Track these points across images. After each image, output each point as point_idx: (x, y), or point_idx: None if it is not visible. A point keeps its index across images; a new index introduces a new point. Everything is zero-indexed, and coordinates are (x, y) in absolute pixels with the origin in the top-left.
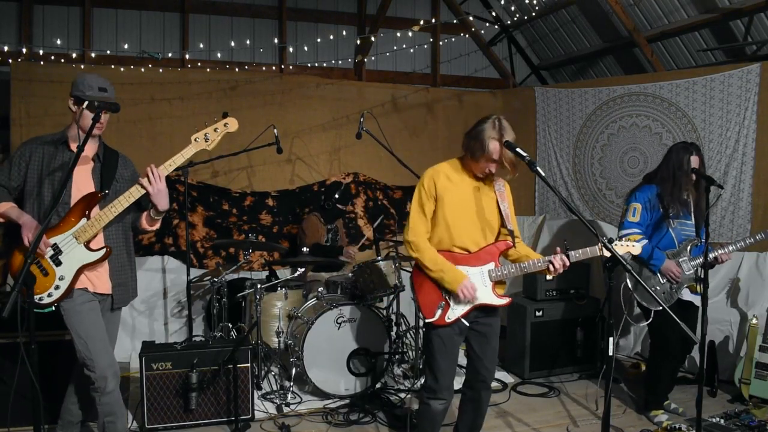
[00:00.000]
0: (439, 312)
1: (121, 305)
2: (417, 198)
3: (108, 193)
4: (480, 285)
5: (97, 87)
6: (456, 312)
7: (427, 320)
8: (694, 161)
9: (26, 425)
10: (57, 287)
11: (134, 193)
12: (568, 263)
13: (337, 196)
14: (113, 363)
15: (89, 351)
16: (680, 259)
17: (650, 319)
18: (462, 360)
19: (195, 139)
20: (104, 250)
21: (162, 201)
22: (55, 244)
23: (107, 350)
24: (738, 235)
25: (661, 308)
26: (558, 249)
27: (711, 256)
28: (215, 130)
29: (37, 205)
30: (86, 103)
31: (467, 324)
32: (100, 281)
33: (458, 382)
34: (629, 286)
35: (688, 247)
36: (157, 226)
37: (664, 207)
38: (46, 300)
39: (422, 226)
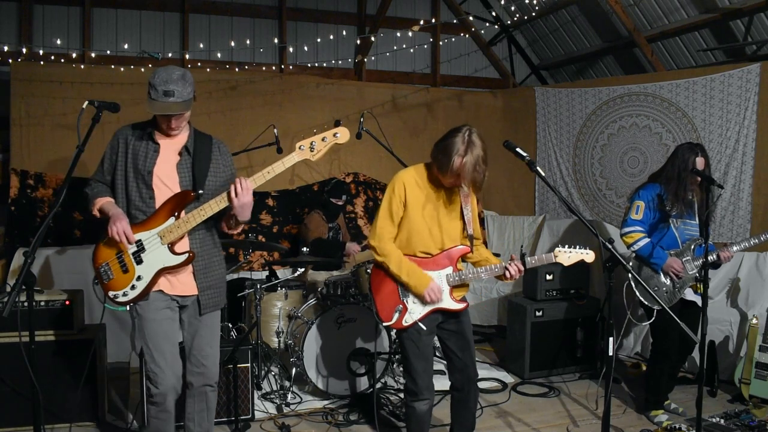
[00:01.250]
0: (396, 315)
1: (210, 310)
2: (387, 202)
3: (202, 194)
4: None
5: (162, 91)
6: (413, 316)
7: (384, 324)
8: (700, 163)
9: (26, 425)
10: (133, 287)
11: (221, 202)
12: (523, 269)
13: (327, 188)
14: (178, 380)
15: (155, 365)
16: (683, 259)
17: (652, 318)
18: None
19: (300, 147)
20: (187, 254)
21: (244, 213)
22: (140, 240)
23: (174, 366)
24: (738, 235)
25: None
26: (513, 255)
27: (713, 256)
28: (323, 139)
29: (125, 196)
30: (86, 103)
31: (424, 327)
32: (180, 282)
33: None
34: (632, 285)
35: (692, 247)
36: (239, 231)
37: (664, 206)
38: (121, 299)
39: (388, 231)
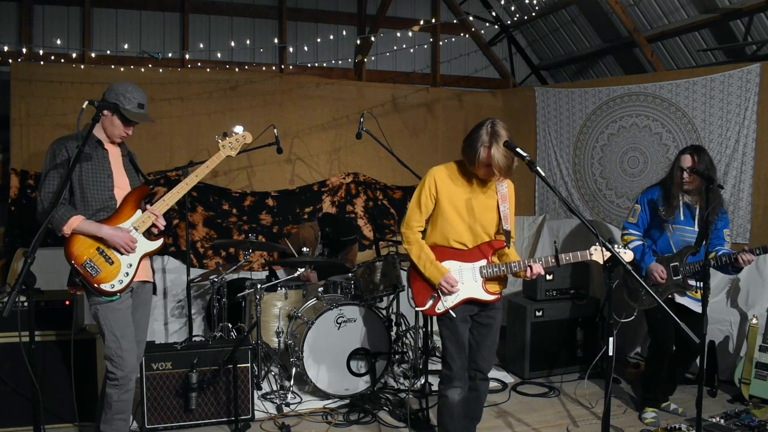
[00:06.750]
0: (430, 302)
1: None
2: (417, 194)
3: (153, 187)
4: (470, 280)
5: (137, 103)
6: (445, 304)
7: (417, 309)
8: (685, 160)
9: (26, 425)
10: (127, 274)
11: (184, 187)
12: (542, 272)
13: (327, 229)
14: (137, 363)
15: (121, 350)
16: (672, 264)
17: (632, 317)
18: None
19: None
20: (162, 240)
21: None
22: None
23: (135, 350)
24: (738, 235)
25: (645, 308)
26: (548, 256)
27: (731, 258)
28: (237, 141)
29: (83, 202)
30: (86, 103)
31: (454, 315)
32: (143, 270)
33: None
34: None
35: (685, 253)
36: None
37: (658, 210)
38: (117, 287)
39: (415, 220)
